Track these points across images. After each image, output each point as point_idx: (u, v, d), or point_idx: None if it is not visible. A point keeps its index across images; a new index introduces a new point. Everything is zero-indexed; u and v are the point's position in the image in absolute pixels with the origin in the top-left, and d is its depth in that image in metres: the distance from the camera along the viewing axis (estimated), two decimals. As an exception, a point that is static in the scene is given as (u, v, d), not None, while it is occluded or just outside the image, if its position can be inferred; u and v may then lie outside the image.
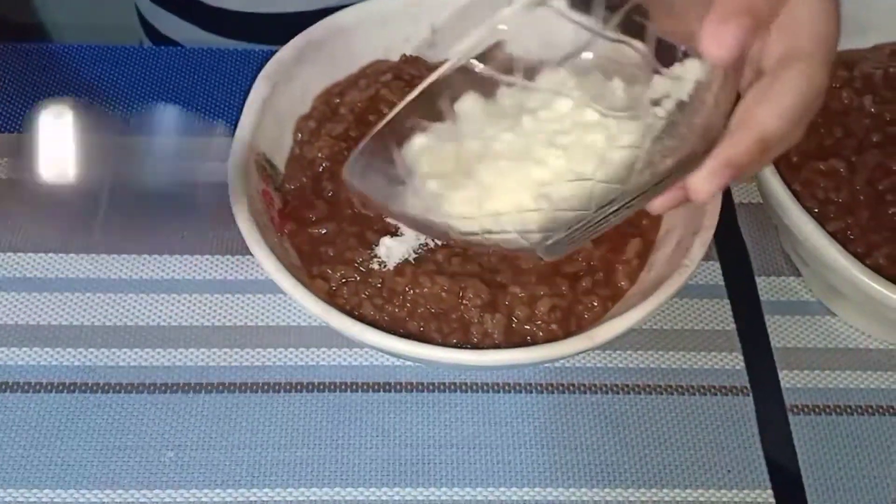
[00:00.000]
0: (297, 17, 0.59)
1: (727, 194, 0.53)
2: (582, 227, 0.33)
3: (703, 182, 0.31)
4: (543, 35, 0.35)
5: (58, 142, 0.37)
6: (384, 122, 0.35)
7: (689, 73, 0.32)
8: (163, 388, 0.45)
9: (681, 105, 0.32)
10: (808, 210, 0.45)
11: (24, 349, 0.46)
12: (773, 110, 0.31)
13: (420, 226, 0.37)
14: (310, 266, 0.44)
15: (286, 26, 0.52)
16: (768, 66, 0.32)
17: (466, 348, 0.42)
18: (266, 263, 0.40)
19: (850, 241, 0.45)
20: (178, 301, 0.48)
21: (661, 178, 0.32)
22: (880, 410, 0.46)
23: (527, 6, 0.32)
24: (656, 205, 0.34)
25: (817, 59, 0.32)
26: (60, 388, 0.45)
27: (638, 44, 0.33)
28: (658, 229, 0.46)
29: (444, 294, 0.43)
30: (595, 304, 0.43)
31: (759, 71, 0.33)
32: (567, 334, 0.43)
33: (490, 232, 0.34)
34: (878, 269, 0.44)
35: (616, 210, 0.33)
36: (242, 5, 0.59)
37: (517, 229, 0.34)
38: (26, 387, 0.45)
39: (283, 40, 0.48)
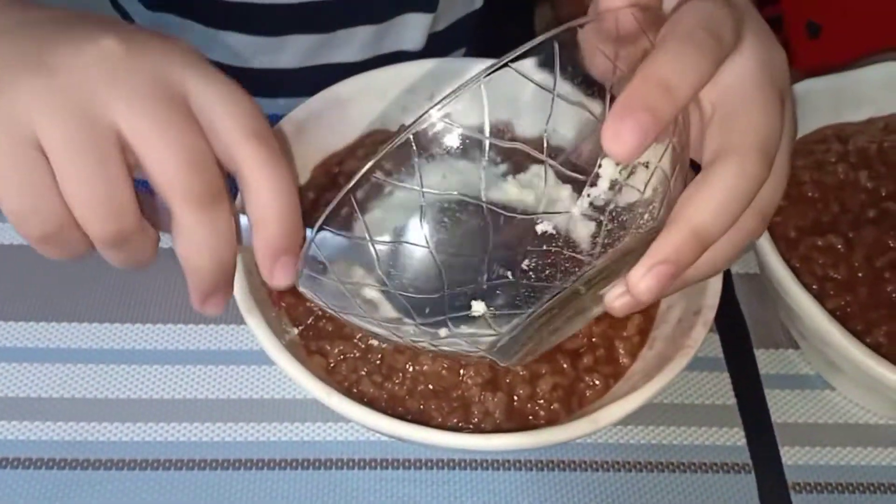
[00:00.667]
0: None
1: (725, 266, 0.53)
2: (524, 325, 0.32)
3: (639, 278, 0.30)
4: (507, 95, 0.34)
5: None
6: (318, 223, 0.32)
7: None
8: (154, 464, 0.44)
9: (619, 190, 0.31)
10: (807, 286, 0.45)
11: (4, 422, 0.45)
12: (702, 203, 0.30)
13: (370, 331, 0.36)
14: (308, 341, 0.43)
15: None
16: (706, 160, 0.32)
17: (468, 428, 0.41)
18: (264, 342, 0.39)
19: (850, 318, 0.45)
20: (170, 373, 0.47)
21: (600, 270, 0.31)
22: (882, 488, 0.46)
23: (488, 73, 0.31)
24: (611, 299, 0.32)
25: (751, 150, 0.30)
26: (45, 464, 0.44)
27: (596, 108, 0.33)
28: (658, 305, 0.46)
29: (444, 372, 0.42)
30: (597, 381, 0.43)
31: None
32: (569, 412, 0.42)
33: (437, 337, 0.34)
34: (877, 348, 0.44)
35: (552, 304, 0.31)
36: None
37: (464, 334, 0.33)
38: (5, 463, 0.44)
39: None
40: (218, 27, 0.59)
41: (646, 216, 0.32)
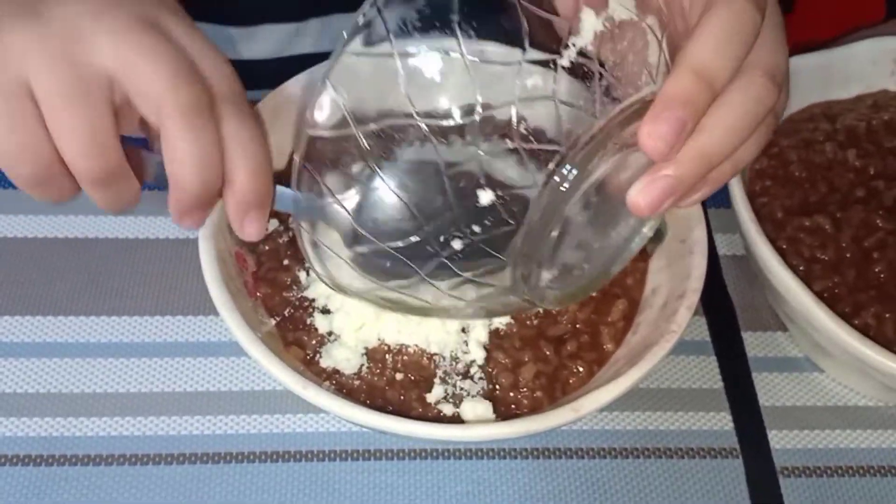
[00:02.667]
0: None
1: (712, 247, 0.52)
2: (534, 235, 0.31)
3: (651, 125, 0.29)
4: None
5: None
6: None
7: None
8: (131, 459, 0.43)
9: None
10: (794, 268, 0.44)
11: (-15, 420, 0.44)
12: (700, 41, 0.30)
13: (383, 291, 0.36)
14: (285, 332, 0.43)
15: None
16: (695, 18, 0.32)
17: (448, 418, 0.40)
18: (240, 335, 0.38)
19: (837, 299, 0.44)
20: (145, 366, 0.46)
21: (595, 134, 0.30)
22: (871, 471, 0.45)
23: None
24: (635, 194, 0.31)
25: None
26: (20, 460, 0.43)
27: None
28: (643, 289, 0.45)
29: (425, 361, 0.41)
30: (580, 368, 0.42)
31: (689, 27, 0.33)
32: (552, 400, 0.41)
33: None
34: (865, 330, 0.43)
35: (565, 191, 0.30)
36: None
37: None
38: (-19, 460, 0.43)
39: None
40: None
41: (642, 78, 0.31)
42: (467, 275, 0.34)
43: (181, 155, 0.32)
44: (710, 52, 0.30)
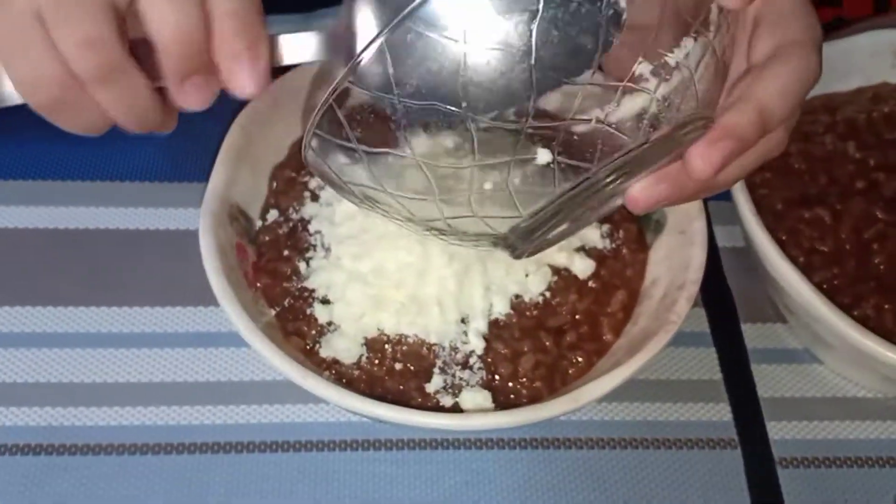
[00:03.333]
0: None
1: (712, 239, 0.52)
2: (549, 211, 0.31)
3: (703, 151, 0.31)
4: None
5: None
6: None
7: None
8: (131, 448, 0.43)
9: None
10: (794, 260, 0.44)
11: (-16, 409, 0.44)
12: (772, 86, 0.32)
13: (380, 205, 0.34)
14: (285, 322, 0.43)
15: None
16: (760, 58, 0.33)
17: (447, 408, 0.40)
18: (240, 325, 0.38)
19: (837, 291, 0.44)
20: (146, 356, 0.46)
21: (635, 153, 0.31)
22: (870, 462, 0.45)
23: None
24: (637, 191, 0.32)
25: (810, 46, 0.33)
26: (20, 449, 0.43)
27: None
28: (643, 280, 0.45)
29: (424, 351, 0.42)
30: (580, 359, 0.42)
31: (751, 65, 0.34)
32: (551, 390, 0.42)
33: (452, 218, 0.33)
34: (865, 321, 0.43)
35: (584, 190, 0.31)
36: None
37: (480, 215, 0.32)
38: (-21, 449, 0.43)
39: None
40: None
41: (690, 105, 0.31)
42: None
43: (161, 13, 0.30)
44: (777, 98, 0.32)
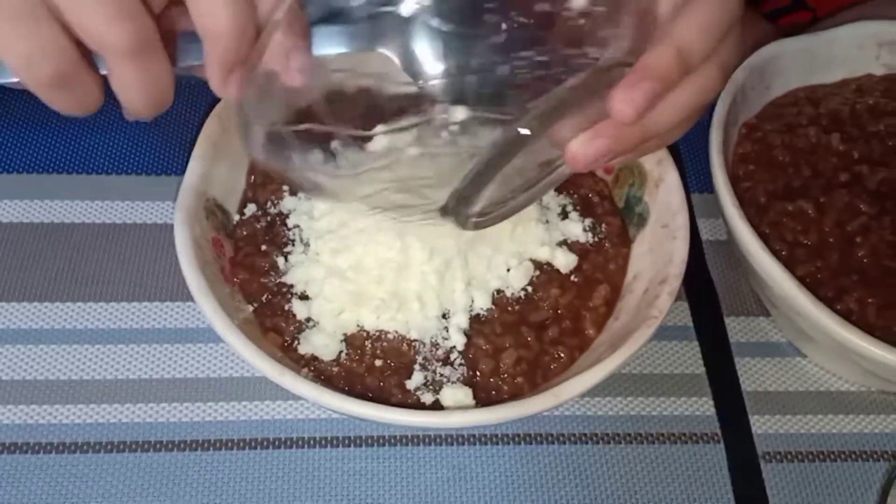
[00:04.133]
0: None
1: (695, 232, 0.52)
2: (478, 170, 0.31)
3: (623, 93, 0.30)
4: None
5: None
6: None
7: None
8: (108, 447, 0.43)
9: None
10: (777, 253, 0.44)
11: (-42, 408, 0.43)
12: (690, 23, 0.31)
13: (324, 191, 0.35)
14: (263, 318, 0.42)
15: None
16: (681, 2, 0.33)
17: (427, 405, 0.40)
18: (215, 322, 0.38)
19: (820, 284, 0.44)
20: (123, 352, 0.45)
21: (555, 99, 0.31)
22: (853, 456, 0.45)
23: None
24: (575, 147, 0.32)
25: None
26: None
27: None
28: (625, 275, 0.45)
29: (404, 348, 0.41)
30: (562, 354, 0.42)
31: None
32: (533, 386, 0.41)
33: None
34: (848, 314, 0.43)
35: (509, 145, 0.30)
36: None
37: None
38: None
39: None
40: None
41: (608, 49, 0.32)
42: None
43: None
44: (695, 35, 0.32)
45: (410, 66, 0.34)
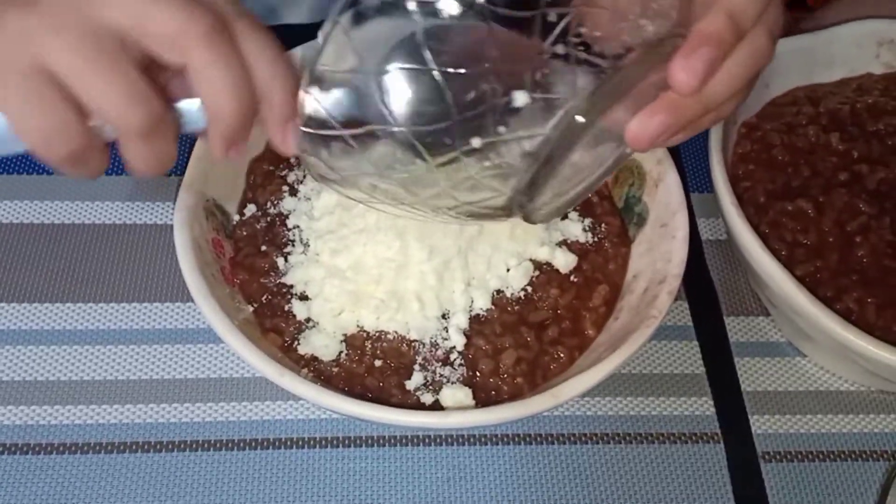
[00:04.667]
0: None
1: (695, 233, 0.52)
2: (540, 155, 0.31)
3: (682, 62, 0.31)
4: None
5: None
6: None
7: None
8: (108, 447, 0.43)
9: None
10: (776, 253, 0.44)
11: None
12: (720, 86, 0.32)
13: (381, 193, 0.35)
14: (262, 319, 0.42)
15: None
16: None
17: (427, 405, 0.40)
18: (215, 323, 0.38)
19: (820, 284, 0.44)
20: (123, 353, 0.46)
21: (610, 81, 0.30)
22: (853, 456, 0.45)
23: None
24: (635, 126, 0.32)
25: None
26: (-2, 449, 0.42)
27: None
28: (625, 274, 0.45)
29: (404, 348, 0.41)
30: (561, 354, 0.42)
31: None
32: (533, 387, 0.41)
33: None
34: (848, 314, 0.43)
35: (569, 128, 0.30)
36: None
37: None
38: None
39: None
40: None
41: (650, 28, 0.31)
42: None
43: (216, 84, 0.31)
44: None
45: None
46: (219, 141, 0.33)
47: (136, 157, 0.32)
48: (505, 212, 0.34)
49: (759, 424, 0.46)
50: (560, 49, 0.30)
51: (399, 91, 0.31)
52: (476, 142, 0.31)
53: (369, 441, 0.44)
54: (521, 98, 0.30)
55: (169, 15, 0.30)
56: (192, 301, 0.39)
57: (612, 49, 0.31)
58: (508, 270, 0.43)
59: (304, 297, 0.42)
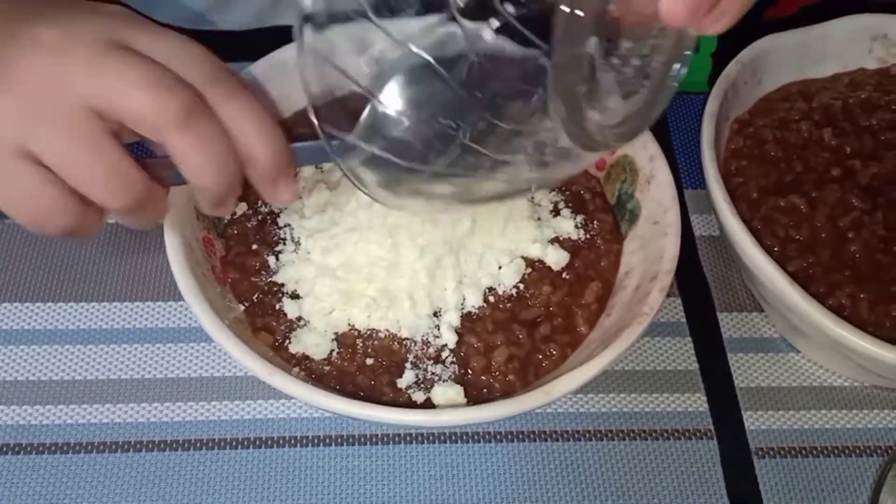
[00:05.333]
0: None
1: (688, 229, 0.52)
2: (574, 62, 0.29)
3: None
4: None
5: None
6: None
7: None
8: (100, 447, 0.43)
9: None
10: (769, 249, 0.44)
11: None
12: None
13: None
14: (254, 318, 0.42)
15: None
16: None
17: (419, 403, 0.40)
18: (206, 322, 0.38)
19: (813, 280, 0.44)
20: (114, 352, 0.45)
21: None
22: (846, 451, 0.45)
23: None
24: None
25: None
26: (-11, 450, 0.42)
27: None
28: (617, 271, 0.45)
29: (395, 346, 0.41)
30: (554, 351, 0.42)
31: None
32: (525, 384, 0.41)
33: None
34: (840, 310, 0.43)
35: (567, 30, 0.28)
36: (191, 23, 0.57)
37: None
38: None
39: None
40: None
41: None
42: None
43: (195, 164, 0.32)
44: None
45: None
46: (206, 204, 0.34)
47: (128, 223, 0.34)
48: (573, 150, 0.32)
49: (753, 420, 0.46)
50: None
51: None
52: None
53: (361, 439, 0.44)
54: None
55: (141, 101, 0.30)
56: (180, 300, 0.39)
57: None
58: (500, 268, 0.43)
59: (295, 296, 0.42)
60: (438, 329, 0.42)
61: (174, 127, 0.30)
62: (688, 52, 0.33)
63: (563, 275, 0.44)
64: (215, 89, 0.32)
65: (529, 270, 0.44)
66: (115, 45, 0.31)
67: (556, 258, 0.44)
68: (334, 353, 0.41)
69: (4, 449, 0.42)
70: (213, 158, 0.32)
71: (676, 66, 0.33)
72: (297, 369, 0.40)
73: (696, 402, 0.46)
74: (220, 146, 0.32)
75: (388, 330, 0.41)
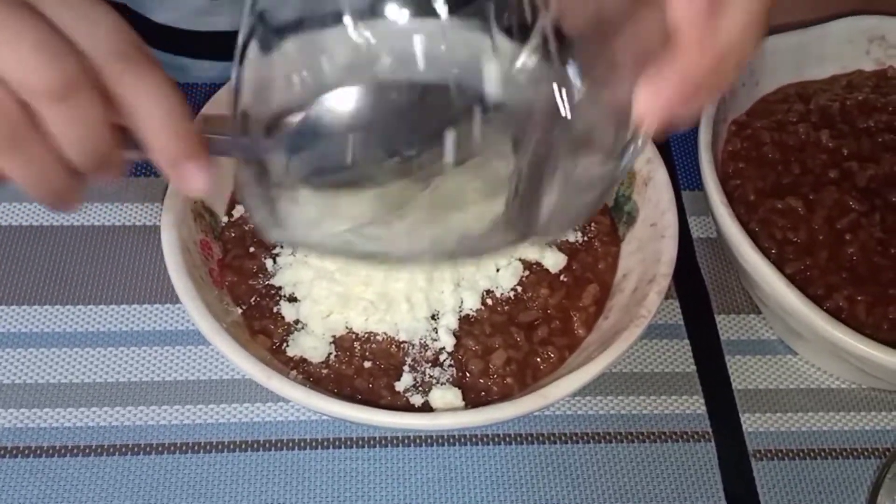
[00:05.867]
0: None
1: (685, 231, 0.52)
2: (524, 167, 0.30)
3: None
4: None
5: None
6: None
7: None
8: (97, 450, 0.43)
9: None
10: (766, 251, 0.44)
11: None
12: (730, 22, 0.28)
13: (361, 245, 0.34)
14: (251, 321, 0.42)
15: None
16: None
17: (417, 406, 0.40)
18: (203, 326, 0.38)
19: (810, 282, 0.44)
20: (111, 355, 0.45)
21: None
22: (844, 453, 0.45)
23: None
24: (641, 105, 0.28)
25: None
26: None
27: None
28: (615, 274, 0.45)
29: (393, 349, 0.41)
30: (551, 354, 0.42)
31: None
32: (522, 387, 0.41)
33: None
34: (838, 312, 0.43)
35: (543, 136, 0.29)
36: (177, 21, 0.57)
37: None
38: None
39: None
40: None
41: None
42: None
43: (64, 137, 0.30)
44: (735, 34, 0.29)
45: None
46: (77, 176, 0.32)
47: (60, 130, 0.30)
48: (509, 237, 0.33)
49: (751, 422, 0.46)
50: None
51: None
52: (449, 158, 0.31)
53: (359, 442, 0.44)
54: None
55: (28, 65, 0.29)
56: (178, 303, 0.39)
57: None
58: (498, 270, 0.43)
59: (292, 299, 0.42)
60: (436, 332, 0.42)
61: (50, 96, 0.29)
62: (640, 143, 0.32)
63: (561, 277, 0.44)
64: (117, 65, 0.30)
65: (527, 273, 0.44)
66: (22, 3, 0.29)
67: (554, 261, 0.44)
68: (332, 357, 0.41)
69: (2, 452, 0.42)
70: (84, 133, 0.30)
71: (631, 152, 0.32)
72: (294, 372, 0.40)
73: (694, 405, 0.46)
74: (93, 123, 0.30)
75: (385, 333, 0.41)
